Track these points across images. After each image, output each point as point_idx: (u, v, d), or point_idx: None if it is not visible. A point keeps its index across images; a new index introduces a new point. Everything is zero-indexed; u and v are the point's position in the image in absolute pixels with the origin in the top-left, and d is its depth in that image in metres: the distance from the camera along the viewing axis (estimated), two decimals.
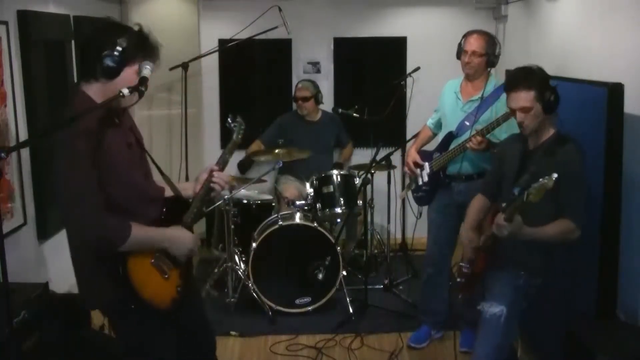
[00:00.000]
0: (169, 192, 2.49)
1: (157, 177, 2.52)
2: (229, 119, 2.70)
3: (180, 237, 2.35)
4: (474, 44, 3.58)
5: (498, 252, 2.79)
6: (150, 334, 2.35)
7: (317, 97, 5.10)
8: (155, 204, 2.38)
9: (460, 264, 3.04)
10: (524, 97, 2.72)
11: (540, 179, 2.40)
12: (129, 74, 2.20)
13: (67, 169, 2.11)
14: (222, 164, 2.58)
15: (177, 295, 2.37)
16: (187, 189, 2.55)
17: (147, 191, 2.37)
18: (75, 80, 2.25)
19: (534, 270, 2.84)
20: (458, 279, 3.04)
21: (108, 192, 2.17)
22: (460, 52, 3.67)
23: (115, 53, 2.14)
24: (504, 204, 2.70)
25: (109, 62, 2.14)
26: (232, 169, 5.47)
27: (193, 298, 2.57)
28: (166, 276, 2.33)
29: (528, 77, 2.74)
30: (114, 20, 2.30)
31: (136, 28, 2.25)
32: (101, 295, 2.28)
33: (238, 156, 5.22)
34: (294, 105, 5.29)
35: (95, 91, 2.21)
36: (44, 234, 3.65)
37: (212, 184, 2.50)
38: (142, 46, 2.22)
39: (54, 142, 2.14)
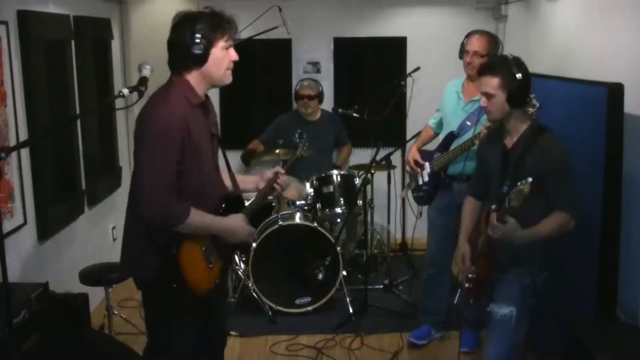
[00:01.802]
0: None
1: None
2: (296, 135, 3.10)
3: (237, 227, 2.44)
4: (476, 44, 3.58)
5: (499, 253, 2.78)
6: (180, 317, 2.42)
7: (320, 97, 5.10)
8: (218, 198, 2.47)
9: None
10: (488, 83, 2.71)
11: (518, 184, 2.40)
12: (217, 52, 2.34)
13: (152, 145, 2.21)
14: (288, 165, 2.77)
15: (213, 286, 2.47)
16: (250, 183, 2.71)
17: (215, 184, 2.48)
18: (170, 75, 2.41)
19: (538, 265, 2.82)
20: (466, 285, 3.02)
21: (182, 178, 2.27)
22: (462, 52, 3.67)
23: (197, 41, 2.26)
24: (493, 206, 2.69)
25: (195, 50, 2.27)
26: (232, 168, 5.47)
27: (219, 295, 2.65)
28: (210, 266, 2.43)
29: (497, 64, 2.73)
30: (184, 13, 2.37)
31: (207, 11, 2.37)
32: (146, 267, 2.36)
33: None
34: (294, 105, 5.28)
35: (195, 78, 2.33)
36: (44, 234, 3.65)
37: (275, 184, 2.65)
38: (218, 23, 2.34)
39: (146, 117, 2.24)
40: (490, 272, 2.85)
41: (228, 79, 2.43)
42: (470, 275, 2.97)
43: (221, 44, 2.34)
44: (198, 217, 2.30)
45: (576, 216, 2.65)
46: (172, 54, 2.33)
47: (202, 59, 2.29)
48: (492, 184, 2.89)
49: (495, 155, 2.85)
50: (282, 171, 2.66)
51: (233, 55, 2.41)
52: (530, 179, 2.36)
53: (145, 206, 2.22)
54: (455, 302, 3.17)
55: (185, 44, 2.26)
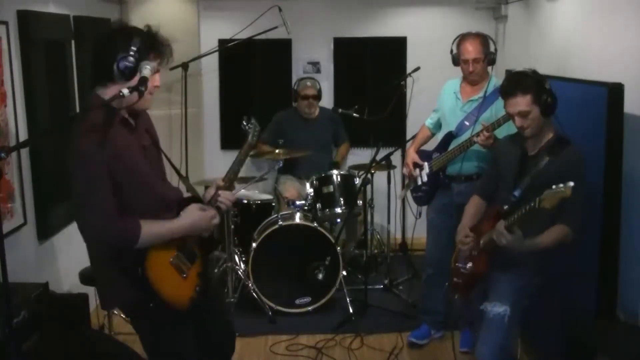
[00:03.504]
0: (186, 194, 2.52)
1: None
2: (243, 122, 2.73)
3: (194, 219, 2.36)
4: (473, 51, 3.55)
5: (499, 253, 2.79)
6: (171, 334, 2.37)
7: (321, 95, 5.12)
8: (172, 206, 2.39)
9: (457, 264, 3.03)
10: (521, 102, 2.72)
11: (554, 186, 2.40)
12: (144, 73, 2.22)
13: (77, 173, 2.14)
14: (231, 175, 2.57)
15: (195, 295, 2.39)
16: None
17: (163, 193, 2.38)
18: (74, 83, 2.27)
19: (536, 270, 2.84)
20: (455, 279, 3.03)
21: (124, 197, 2.19)
22: (456, 59, 3.66)
23: (130, 55, 2.18)
24: (505, 207, 2.69)
25: (125, 63, 2.18)
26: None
27: (213, 298, 2.59)
28: (184, 275, 2.36)
29: (523, 81, 2.74)
30: (122, 23, 2.32)
31: (145, 29, 2.28)
32: (120, 295, 2.31)
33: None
34: (293, 103, 5.28)
35: (110, 92, 2.23)
36: (44, 234, 3.65)
37: (218, 203, 2.51)
38: (153, 44, 2.25)
39: (68, 144, 2.16)
40: (487, 269, 2.86)
41: (148, 103, 2.31)
42: (462, 270, 2.97)
43: (151, 65, 2.23)
44: (152, 227, 2.23)
45: (577, 231, 2.68)
46: (98, 63, 2.25)
47: (128, 75, 2.18)
48: (502, 187, 2.90)
49: (512, 159, 2.87)
50: (222, 184, 2.53)
51: (157, 80, 2.30)
52: (571, 183, 2.37)
53: (94, 234, 2.18)
54: (441, 296, 3.17)
55: (115, 55, 2.17)
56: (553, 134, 2.80)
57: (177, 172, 2.58)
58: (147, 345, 2.43)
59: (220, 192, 2.51)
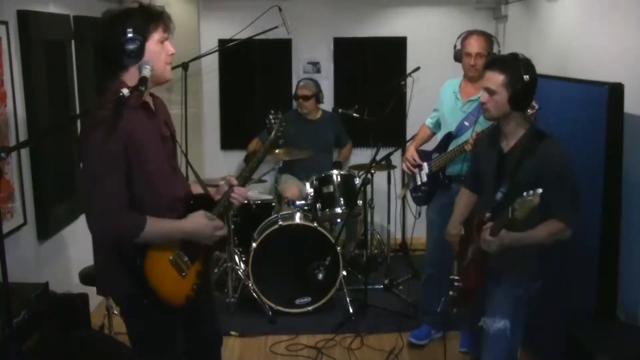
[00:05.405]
0: (197, 190, 2.50)
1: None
2: (270, 116, 2.64)
3: (198, 226, 2.32)
4: (477, 45, 3.55)
5: (491, 264, 2.67)
6: (160, 329, 2.36)
7: (318, 97, 5.10)
8: (181, 200, 2.37)
9: (451, 277, 2.92)
10: (492, 79, 2.61)
11: (525, 193, 2.31)
12: (152, 46, 2.23)
13: (90, 161, 2.15)
14: (246, 172, 2.52)
15: (192, 293, 2.37)
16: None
17: (174, 186, 2.36)
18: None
19: (532, 274, 2.72)
20: (450, 293, 2.90)
21: (134, 186, 2.19)
22: (459, 55, 3.66)
23: (130, 35, 2.17)
24: (487, 214, 2.61)
25: (130, 46, 2.18)
26: (231, 168, 5.47)
27: (204, 295, 2.58)
28: (183, 274, 2.34)
29: (506, 61, 2.63)
30: (112, 12, 2.28)
31: (135, 5, 2.27)
32: (116, 285, 2.30)
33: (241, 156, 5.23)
34: (294, 104, 5.29)
35: (133, 77, 2.22)
36: (44, 234, 3.65)
37: (231, 199, 2.48)
38: (149, 16, 2.24)
39: (81, 131, 2.17)
40: (479, 284, 2.77)
41: (168, 74, 2.32)
42: (456, 284, 2.87)
43: (155, 37, 2.24)
44: (156, 225, 2.21)
45: (574, 225, 2.55)
46: (105, 54, 2.25)
47: (137, 54, 2.19)
48: (485, 188, 2.80)
49: (490, 159, 2.75)
50: (235, 182, 2.48)
51: (169, 48, 2.29)
52: (540, 190, 2.27)
53: (98, 225, 2.16)
54: (439, 309, 3.10)
55: (117, 41, 2.17)
56: (526, 129, 2.67)
57: (190, 166, 2.57)
58: (135, 340, 2.41)
59: (235, 188, 2.47)
